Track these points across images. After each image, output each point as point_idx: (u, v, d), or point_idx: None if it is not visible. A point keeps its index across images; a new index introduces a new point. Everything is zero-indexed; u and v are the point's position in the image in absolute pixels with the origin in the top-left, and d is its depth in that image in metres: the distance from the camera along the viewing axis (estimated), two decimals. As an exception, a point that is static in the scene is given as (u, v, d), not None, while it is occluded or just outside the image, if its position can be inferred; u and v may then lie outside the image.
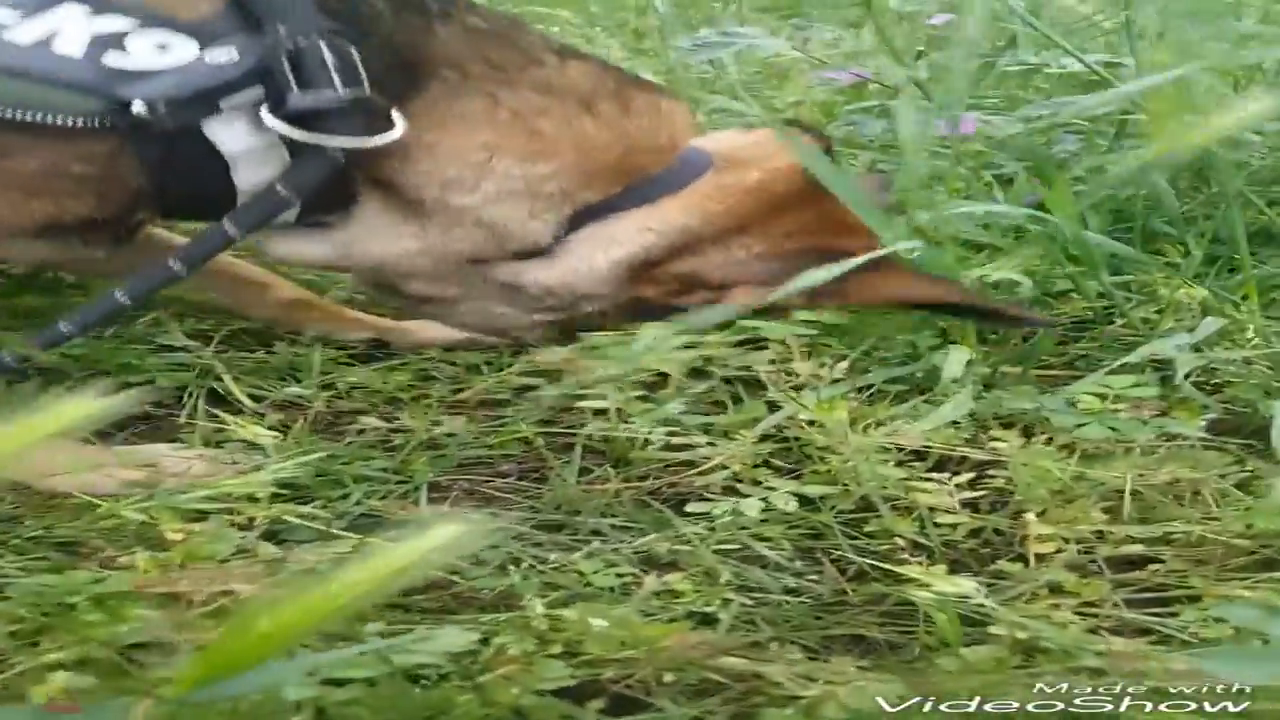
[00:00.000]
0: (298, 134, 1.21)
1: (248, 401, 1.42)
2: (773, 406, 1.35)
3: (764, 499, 1.19)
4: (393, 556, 0.64)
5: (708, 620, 1.03)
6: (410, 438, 1.37)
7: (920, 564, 1.11)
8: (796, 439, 1.31)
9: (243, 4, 1.23)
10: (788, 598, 1.09)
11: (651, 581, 1.03)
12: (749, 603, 1.07)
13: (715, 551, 1.14)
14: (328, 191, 1.29)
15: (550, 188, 1.32)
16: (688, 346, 1.38)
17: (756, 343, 1.48)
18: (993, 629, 0.98)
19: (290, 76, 1.21)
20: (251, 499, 1.16)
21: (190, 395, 1.43)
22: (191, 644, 0.85)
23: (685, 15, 2.81)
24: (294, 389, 1.47)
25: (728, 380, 1.43)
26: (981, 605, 1.00)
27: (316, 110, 1.21)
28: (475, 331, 1.51)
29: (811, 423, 1.30)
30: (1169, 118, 1.33)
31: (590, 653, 0.94)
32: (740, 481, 1.25)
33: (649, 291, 1.40)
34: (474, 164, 1.30)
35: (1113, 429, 1.22)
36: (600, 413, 1.38)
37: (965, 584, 1.02)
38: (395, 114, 1.25)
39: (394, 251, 1.35)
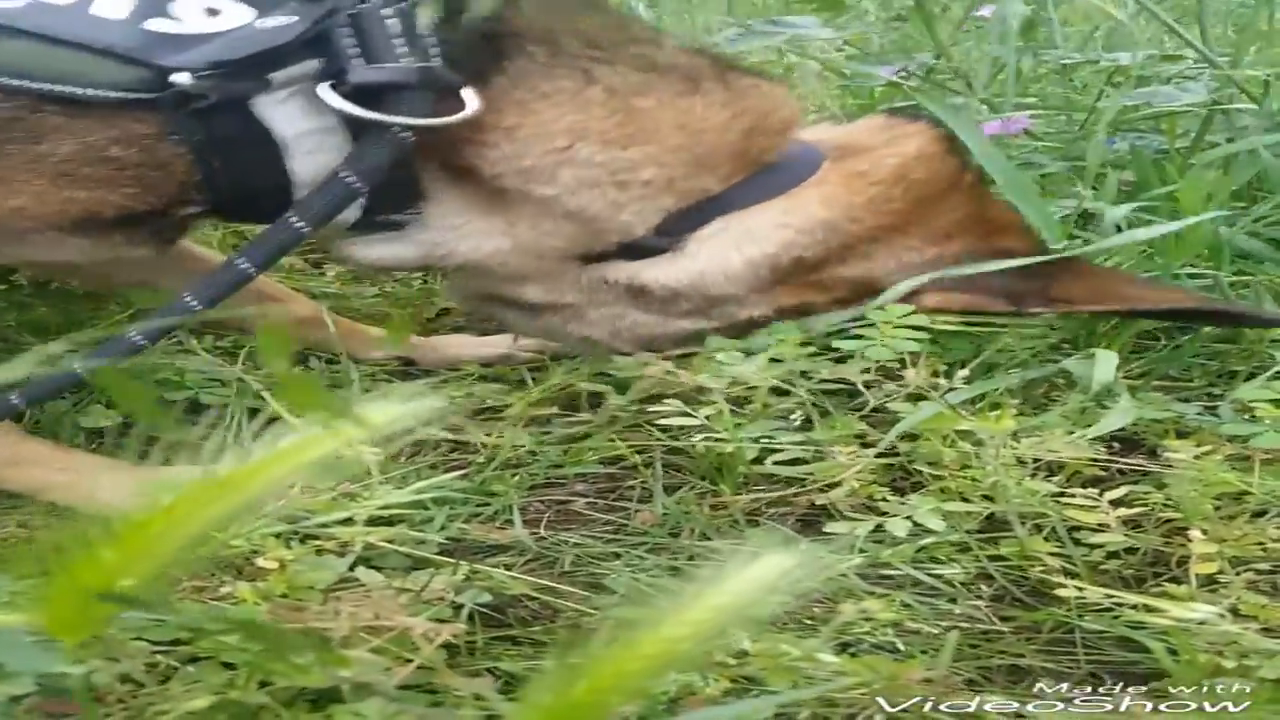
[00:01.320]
0: (358, 111, 1.08)
1: (296, 421, 1.29)
2: (871, 419, 1.25)
3: (909, 518, 1.09)
4: (722, 594, 0.53)
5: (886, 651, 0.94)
6: (483, 455, 1.26)
7: (1075, 586, 1.02)
8: (910, 454, 1.21)
9: None
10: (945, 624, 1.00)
11: (849, 610, 0.92)
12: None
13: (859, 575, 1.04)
14: (394, 185, 1.17)
15: (647, 175, 1.20)
16: (774, 360, 1.27)
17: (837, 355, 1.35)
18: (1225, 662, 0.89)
19: (351, 47, 1.08)
20: (347, 523, 1.04)
21: (232, 414, 1.31)
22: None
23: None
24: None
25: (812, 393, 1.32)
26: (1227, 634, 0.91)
27: (380, 85, 1.08)
28: (606, 347, 1.37)
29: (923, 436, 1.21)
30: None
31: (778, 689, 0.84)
32: (868, 500, 1.15)
33: (816, 297, 1.30)
34: (556, 149, 1.18)
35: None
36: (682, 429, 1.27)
37: (1203, 609, 0.92)
38: (468, 92, 1.13)
39: (485, 249, 1.24)
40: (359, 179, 1.11)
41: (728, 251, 1.24)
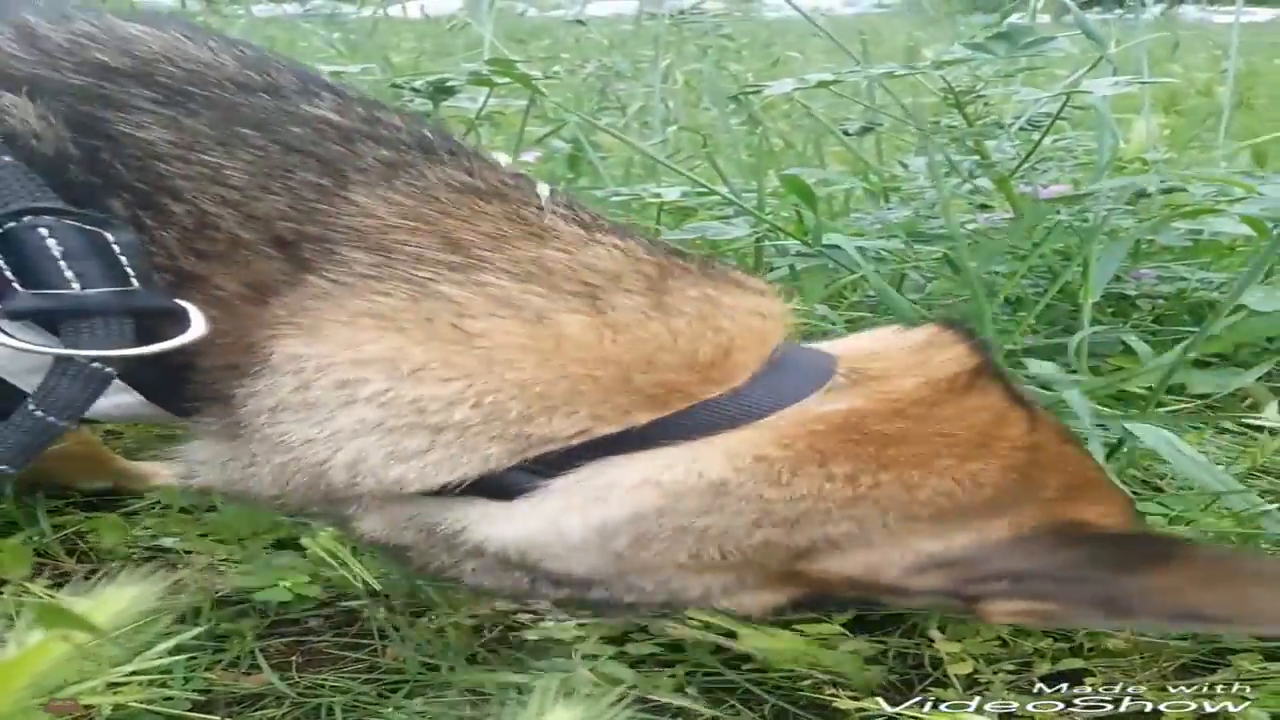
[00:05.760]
0: (14, 344, 0.84)
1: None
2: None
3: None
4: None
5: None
6: (209, 594, 1.11)
7: (850, 698, 0.98)
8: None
9: None
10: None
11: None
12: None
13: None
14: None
15: (459, 416, 0.85)
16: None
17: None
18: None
19: (8, 271, 0.85)
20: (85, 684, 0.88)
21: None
22: None
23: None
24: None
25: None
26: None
27: (52, 312, 0.85)
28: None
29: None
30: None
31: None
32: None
33: (800, 594, 0.92)
34: (339, 382, 0.86)
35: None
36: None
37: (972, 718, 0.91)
38: (194, 312, 0.86)
39: (224, 478, 0.93)
40: (55, 415, 0.86)
41: (568, 512, 0.87)
